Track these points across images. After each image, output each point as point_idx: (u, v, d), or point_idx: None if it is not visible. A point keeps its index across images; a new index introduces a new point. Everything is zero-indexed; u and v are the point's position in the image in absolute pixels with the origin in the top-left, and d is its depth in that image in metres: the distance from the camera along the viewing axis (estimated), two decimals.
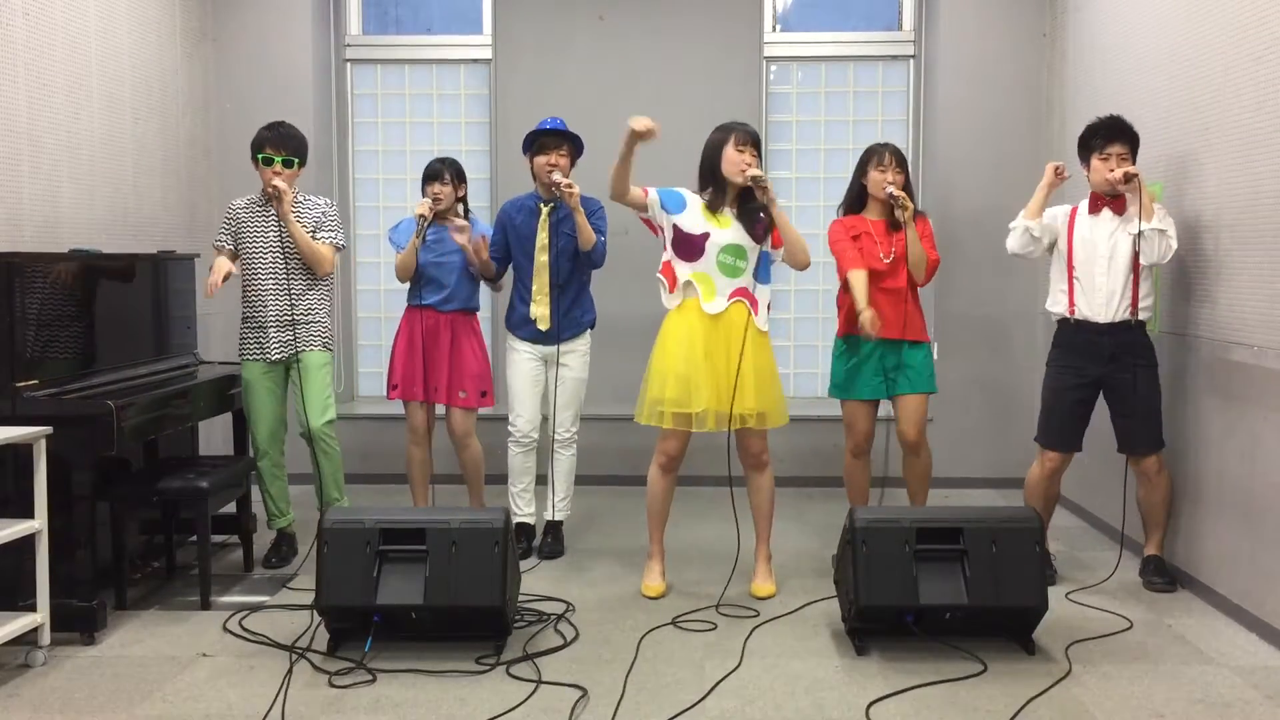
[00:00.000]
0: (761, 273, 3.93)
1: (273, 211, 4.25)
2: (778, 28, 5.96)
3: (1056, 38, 5.53)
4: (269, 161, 4.20)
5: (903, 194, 4.11)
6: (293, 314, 4.29)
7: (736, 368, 3.80)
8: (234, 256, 4.34)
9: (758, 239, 3.87)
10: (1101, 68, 4.91)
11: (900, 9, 5.97)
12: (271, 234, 4.27)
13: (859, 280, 4.13)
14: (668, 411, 3.83)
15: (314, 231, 4.30)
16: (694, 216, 3.86)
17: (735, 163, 3.81)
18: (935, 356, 5.35)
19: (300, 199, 4.33)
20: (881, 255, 4.20)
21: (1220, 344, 3.82)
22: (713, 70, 5.81)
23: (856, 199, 4.32)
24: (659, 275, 3.95)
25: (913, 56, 5.91)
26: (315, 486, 4.45)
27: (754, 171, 3.77)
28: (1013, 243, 4.19)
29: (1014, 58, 5.65)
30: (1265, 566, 3.55)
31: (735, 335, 3.83)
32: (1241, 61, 3.69)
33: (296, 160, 4.25)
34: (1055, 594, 3.89)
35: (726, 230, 3.85)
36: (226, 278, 4.18)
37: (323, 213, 4.35)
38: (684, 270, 3.87)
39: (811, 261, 4.01)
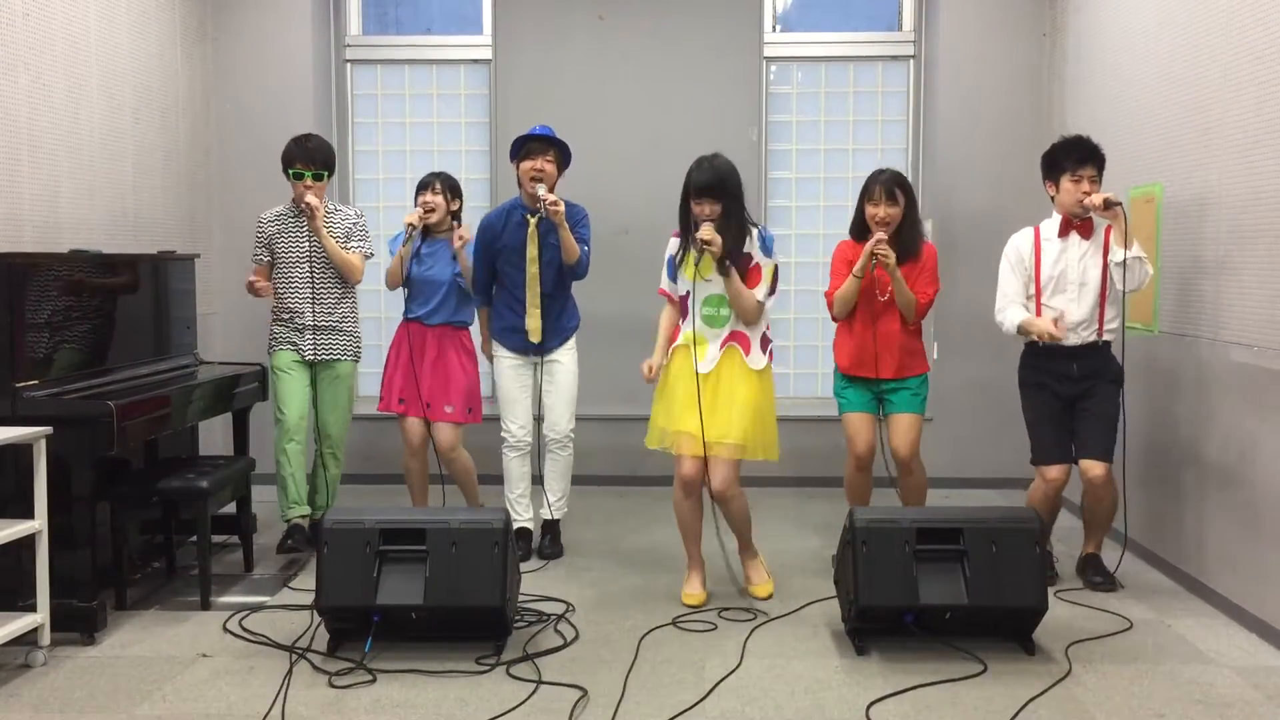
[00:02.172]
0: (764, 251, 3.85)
1: (305, 223, 4.38)
2: (778, 28, 5.96)
3: (1056, 38, 5.53)
4: (300, 176, 4.32)
5: (884, 250, 3.96)
6: (329, 320, 4.45)
7: (713, 399, 3.79)
8: (269, 269, 4.50)
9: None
10: (1102, 67, 4.91)
11: (900, 9, 5.97)
12: (304, 245, 4.40)
13: (847, 285, 4.10)
14: (655, 433, 3.92)
15: (345, 241, 4.44)
16: (680, 277, 3.90)
17: (695, 215, 3.78)
18: (935, 357, 5.35)
19: (332, 209, 4.46)
20: (878, 294, 4.12)
21: (1220, 344, 3.82)
22: (713, 70, 5.80)
23: (861, 228, 4.20)
24: None
25: (913, 56, 5.91)
26: (310, 490, 4.53)
27: (704, 235, 3.68)
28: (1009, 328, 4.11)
29: (1014, 58, 5.65)
30: (1265, 566, 3.55)
31: (722, 378, 3.83)
32: (1241, 61, 3.69)
33: (326, 172, 4.39)
34: (1055, 594, 3.89)
35: (706, 281, 3.81)
36: (261, 294, 4.44)
37: (354, 223, 4.49)
38: (682, 333, 3.90)
39: (790, 262, 3.97)
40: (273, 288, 4.47)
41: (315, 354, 4.45)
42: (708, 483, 3.86)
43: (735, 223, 3.74)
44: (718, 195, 3.72)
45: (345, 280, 4.48)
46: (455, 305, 4.52)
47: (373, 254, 4.58)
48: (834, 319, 4.23)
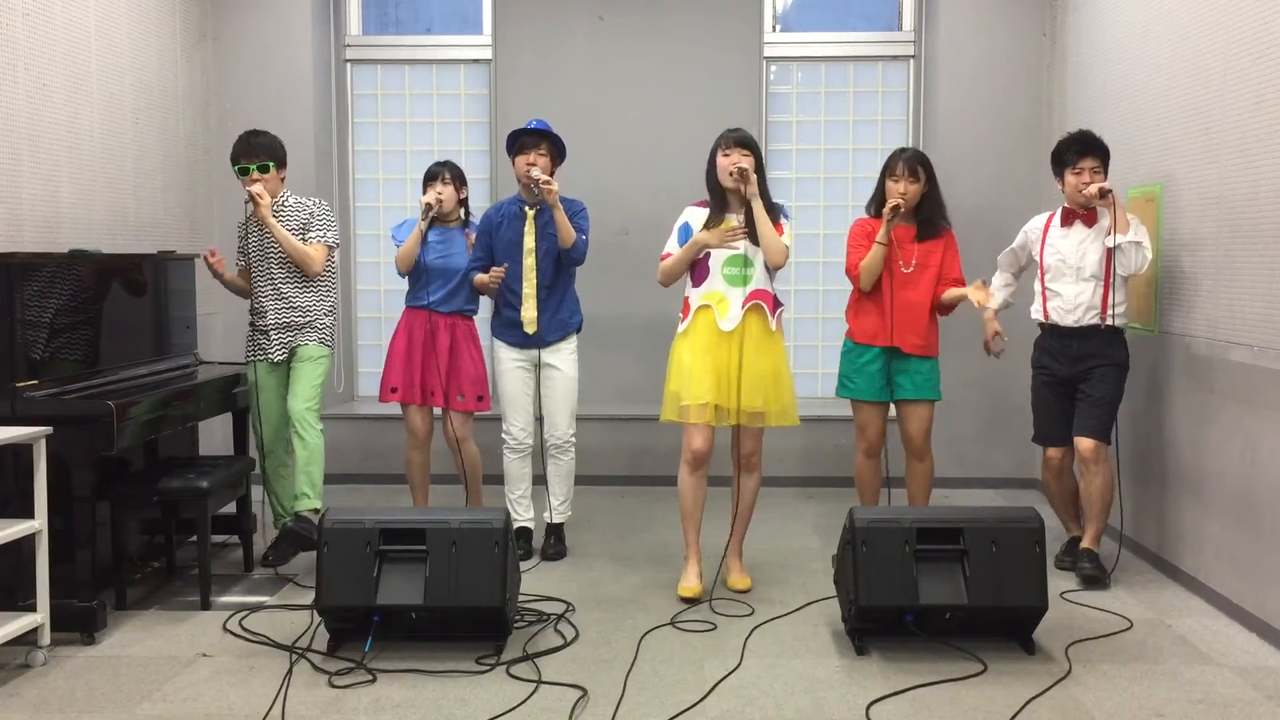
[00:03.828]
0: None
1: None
2: (778, 28, 5.96)
3: (1056, 38, 5.53)
4: (245, 171, 4.27)
5: (896, 202, 4.12)
6: (290, 316, 4.33)
7: (739, 364, 3.83)
8: (248, 272, 4.45)
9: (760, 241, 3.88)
10: (1101, 68, 4.91)
11: (900, 9, 5.97)
12: (264, 239, 4.33)
13: (873, 253, 4.16)
14: (674, 405, 3.92)
15: (303, 232, 4.33)
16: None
17: (724, 167, 3.86)
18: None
19: (290, 200, 4.37)
20: (902, 265, 4.21)
21: (1220, 344, 3.82)
22: (713, 70, 5.80)
23: (881, 204, 4.28)
24: (680, 314, 4.01)
25: (913, 56, 5.91)
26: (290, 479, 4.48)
27: (741, 164, 3.80)
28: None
29: (1014, 58, 5.65)
30: (1265, 566, 3.55)
31: (747, 340, 3.86)
32: (1241, 61, 3.69)
33: (272, 164, 4.28)
34: (1055, 594, 3.88)
35: (731, 247, 3.87)
36: (218, 263, 4.36)
37: (311, 213, 4.37)
38: (696, 296, 3.92)
39: (789, 262, 3.99)
40: (239, 280, 4.46)
41: (284, 353, 4.34)
42: (733, 451, 4.00)
43: (762, 178, 3.89)
44: (750, 149, 3.88)
45: (304, 272, 4.34)
46: (468, 294, 4.53)
47: (338, 243, 4.44)
48: (861, 290, 4.26)
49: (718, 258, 3.89)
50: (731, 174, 3.81)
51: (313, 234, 4.34)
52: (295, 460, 4.29)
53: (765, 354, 3.89)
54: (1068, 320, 4.13)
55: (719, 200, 3.92)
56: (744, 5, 5.84)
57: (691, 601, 3.89)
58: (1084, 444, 4.08)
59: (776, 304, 3.96)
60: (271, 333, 4.33)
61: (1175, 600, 3.94)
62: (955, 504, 5.06)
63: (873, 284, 4.22)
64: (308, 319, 4.36)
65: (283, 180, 4.35)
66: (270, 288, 4.33)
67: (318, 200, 4.46)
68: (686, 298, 3.97)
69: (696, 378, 3.86)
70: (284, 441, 4.42)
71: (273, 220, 4.22)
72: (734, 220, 3.89)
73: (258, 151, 4.27)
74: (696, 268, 3.93)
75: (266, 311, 4.33)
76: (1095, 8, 5.00)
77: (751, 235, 3.86)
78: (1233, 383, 3.75)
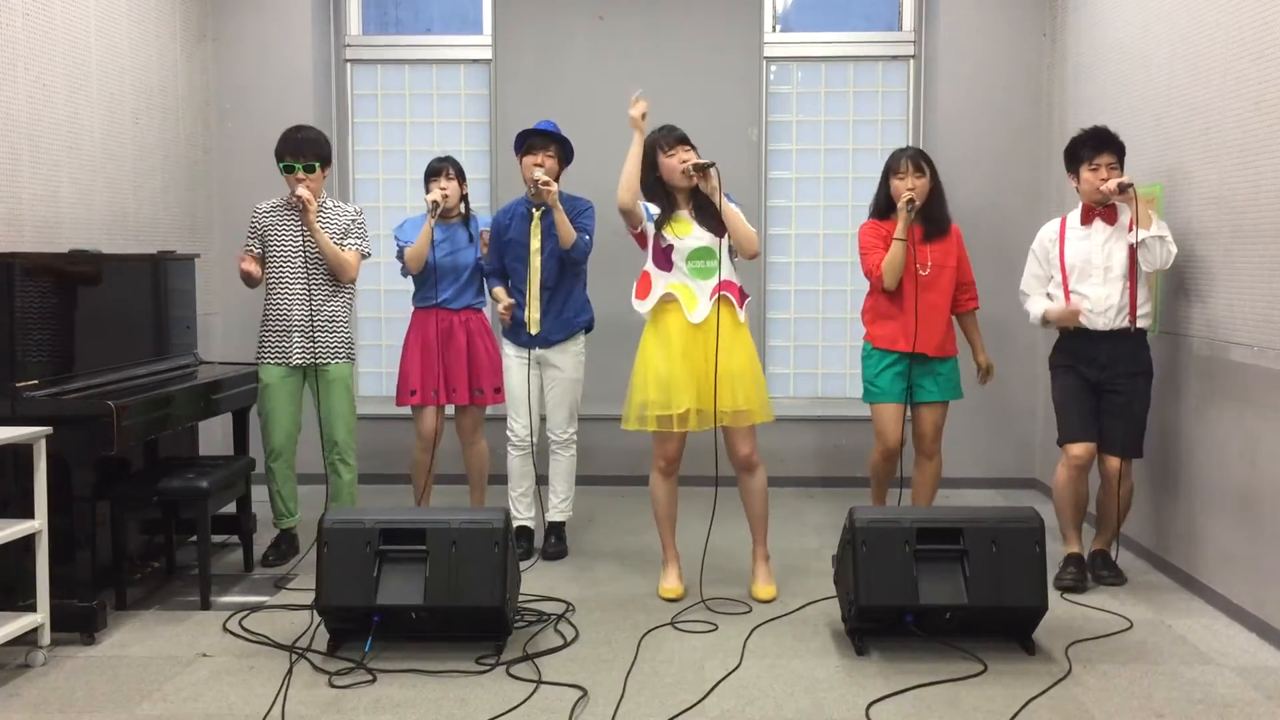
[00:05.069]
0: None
1: (299, 217, 4.28)
2: (778, 28, 5.96)
3: (1056, 38, 5.53)
4: (290, 169, 4.24)
5: (910, 201, 4.09)
6: (317, 320, 4.32)
7: (715, 365, 3.78)
8: (260, 260, 4.38)
9: (720, 232, 3.84)
10: (1101, 68, 4.91)
11: (900, 9, 5.97)
12: (298, 240, 4.30)
13: (894, 250, 4.12)
14: (650, 415, 3.85)
15: (342, 238, 4.34)
16: (664, 234, 3.89)
17: (672, 167, 3.83)
18: None
19: (331, 205, 4.38)
20: (919, 268, 4.17)
21: (1219, 344, 3.82)
22: (713, 70, 5.80)
23: (885, 206, 4.26)
24: (636, 284, 3.96)
25: (913, 56, 5.91)
26: (326, 498, 4.50)
27: (693, 160, 3.78)
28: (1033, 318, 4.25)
29: (1014, 58, 5.65)
30: (1265, 566, 3.55)
31: (723, 335, 3.82)
32: (1241, 61, 3.69)
33: (318, 164, 4.27)
34: (1055, 594, 3.88)
35: (688, 237, 3.85)
36: (254, 277, 4.29)
37: (351, 220, 4.39)
38: (661, 281, 3.89)
39: (760, 253, 3.94)
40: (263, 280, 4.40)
41: (306, 358, 4.32)
42: (729, 454, 3.93)
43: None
44: (691, 145, 3.86)
45: (338, 278, 4.36)
46: (478, 288, 4.55)
47: (370, 253, 4.48)
48: (885, 289, 4.21)
49: (681, 251, 3.84)
50: (685, 172, 3.77)
51: (350, 241, 4.35)
52: (340, 485, 4.43)
53: (738, 349, 3.85)
54: (1098, 324, 4.00)
55: (666, 201, 3.88)
56: (744, 5, 5.84)
57: (673, 603, 3.89)
58: (1113, 462, 4.02)
59: (743, 295, 3.93)
60: (295, 335, 4.31)
61: (1175, 600, 3.94)
62: (955, 504, 5.06)
63: (896, 283, 4.16)
64: (334, 325, 4.37)
65: (325, 178, 4.34)
66: (300, 287, 4.31)
67: (358, 208, 4.47)
68: (647, 272, 3.91)
69: (676, 385, 3.81)
70: (293, 445, 4.42)
71: (318, 227, 4.23)
72: (685, 215, 3.85)
73: (304, 150, 4.24)
74: (662, 256, 3.87)
75: (293, 311, 4.30)
76: (1095, 8, 5.00)
77: (712, 227, 3.82)
78: (1233, 383, 3.75)
